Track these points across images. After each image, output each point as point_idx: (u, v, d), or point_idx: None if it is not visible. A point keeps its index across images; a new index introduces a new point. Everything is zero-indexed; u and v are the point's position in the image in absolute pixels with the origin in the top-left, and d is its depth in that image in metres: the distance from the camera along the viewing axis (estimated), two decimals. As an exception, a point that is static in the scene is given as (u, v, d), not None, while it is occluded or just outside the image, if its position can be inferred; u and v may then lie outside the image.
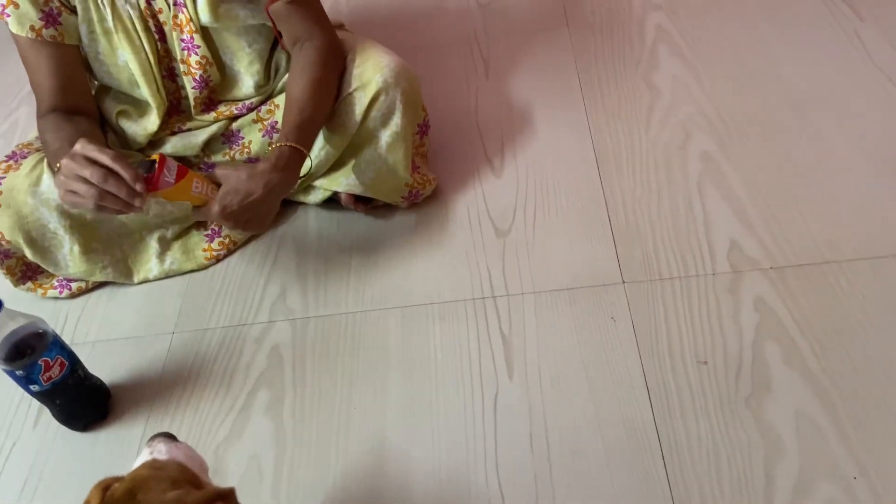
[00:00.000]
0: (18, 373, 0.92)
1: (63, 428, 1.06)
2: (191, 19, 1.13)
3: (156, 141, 1.26)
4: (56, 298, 1.25)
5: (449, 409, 0.99)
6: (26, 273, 1.25)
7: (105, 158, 0.92)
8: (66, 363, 0.97)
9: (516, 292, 1.12)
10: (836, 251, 1.07)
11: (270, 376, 1.08)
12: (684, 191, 1.20)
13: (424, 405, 1.00)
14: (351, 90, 1.14)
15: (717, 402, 0.94)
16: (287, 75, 1.25)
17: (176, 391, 1.08)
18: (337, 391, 1.04)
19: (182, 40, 1.16)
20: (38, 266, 1.24)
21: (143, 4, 1.12)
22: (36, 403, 1.10)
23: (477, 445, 0.95)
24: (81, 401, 1.02)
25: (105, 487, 0.64)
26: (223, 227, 1.03)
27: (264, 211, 1.07)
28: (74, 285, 1.25)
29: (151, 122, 1.22)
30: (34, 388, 0.95)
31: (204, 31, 1.15)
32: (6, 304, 0.91)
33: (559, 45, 1.56)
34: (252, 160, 1.27)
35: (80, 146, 0.94)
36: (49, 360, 0.94)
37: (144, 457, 0.72)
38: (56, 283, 1.25)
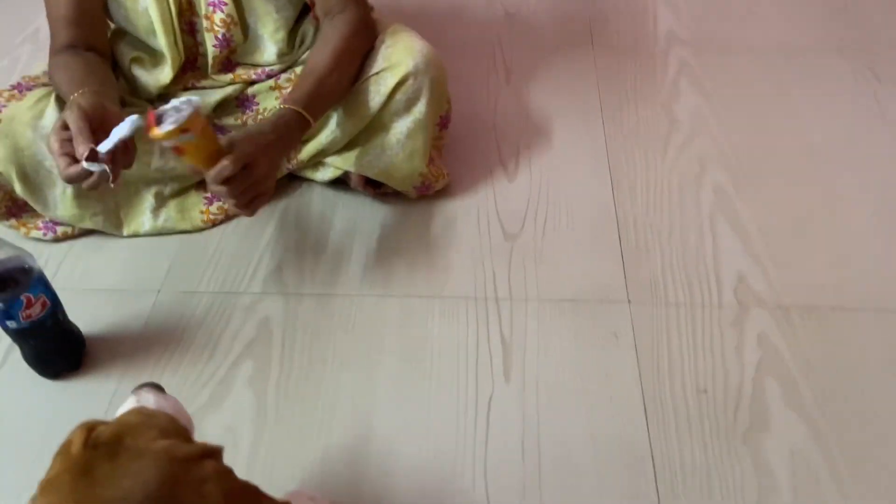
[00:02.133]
0: (-3, 306, 0.87)
1: (31, 373, 1.00)
2: None
3: (167, 94, 1.21)
4: (39, 240, 1.19)
5: (441, 406, 0.96)
6: (11, 209, 1.19)
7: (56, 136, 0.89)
8: (49, 303, 0.91)
9: (520, 297, 1.09)
10: (842, 298, 1.07)
11: (258, 348, 1.04)
12: (696, 221, 1.20)
13: (416, 398, 0.97)
14: (378, 70, 1.12)
15: (714, 433, 0.92)
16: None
17: (155, 351, 1.03)
18: (326, 372, 1.01)
19: None
20: (25, 204, 1.18)
21: None
22: (4, 344, 1.04)
23: (467, 445, 0.92)
24: (57, 346, 0.96)
25: (90, 429, 0.59)
26: (228, 198, 0.95)
27: (267, 170, 0.97)
28: (60, 229, 1.19)
29: (165, 74, 1.18)
30: (11, 324, 0.89)
31: None
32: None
33: (582, 61, 1.56)
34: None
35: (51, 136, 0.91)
36: (32, 297, 0.88)
37: (130, 404, 0.68)
38: (41, 224, 1.19)
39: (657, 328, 1.04)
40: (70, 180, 0.88)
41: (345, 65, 1.10)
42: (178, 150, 0.88)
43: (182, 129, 0.84)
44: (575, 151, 1.34)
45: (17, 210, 1.19)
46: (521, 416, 0.95)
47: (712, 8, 1.69)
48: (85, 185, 0.89)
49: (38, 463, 0.92)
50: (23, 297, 0.87)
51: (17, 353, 1.02)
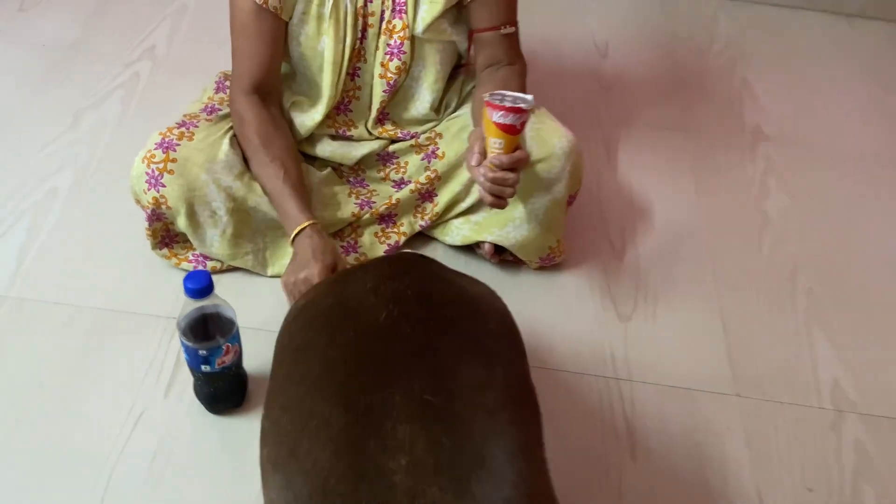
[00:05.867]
0: (201, 352, 0.94)
1: (194, 403, 1.07)
2: (406, 26, 1.18)
3: (314, 136, 1.30)
4: (188, 272, 1.26)
5: (578, 479, 1.05)
6: (165, 240, 1.26)
7: None
8: (239, 351, 0.99)
9: (639, 379, 1.19)
10: (926, 414, 1.19)
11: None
12: (793, 321, 1.31)
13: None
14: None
15: (822, 531, 1.03)
16: (455, 114, 1.32)
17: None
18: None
19: (389, 45, 1.21)
20: (178, 235, 1.25)
21: (360, 2, 1.17)
22: (167, 372, 1.11)
23: (601, 520, 1.01)
24: (231, 387, 1.04)
25: None
26: (506, 186, 1.06)
27: None
28: (210, 263, 1.26)
29: (317, 112, 1.26)
30: (205, 368, 0.97)
31: (412, 40, 1.20)
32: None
33: (675, 145, 1.67)
34: (405, 182, 1.33)
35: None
36: (230, 346, 0.96)
37: None
38: (191, 257, 1.27)
39: (765, 424, 1.15)
40: None
41: None
42: (501, 128, 1.01)
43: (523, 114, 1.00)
44: (676, 236, 1.45)
45: (169, 240, 1.26)
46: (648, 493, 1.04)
47: (800, 108, 1.82)
48: None
49: (213, 493, 0.99)
50: (224, 346, 0.95)
51: (180, 385, 1.09)
